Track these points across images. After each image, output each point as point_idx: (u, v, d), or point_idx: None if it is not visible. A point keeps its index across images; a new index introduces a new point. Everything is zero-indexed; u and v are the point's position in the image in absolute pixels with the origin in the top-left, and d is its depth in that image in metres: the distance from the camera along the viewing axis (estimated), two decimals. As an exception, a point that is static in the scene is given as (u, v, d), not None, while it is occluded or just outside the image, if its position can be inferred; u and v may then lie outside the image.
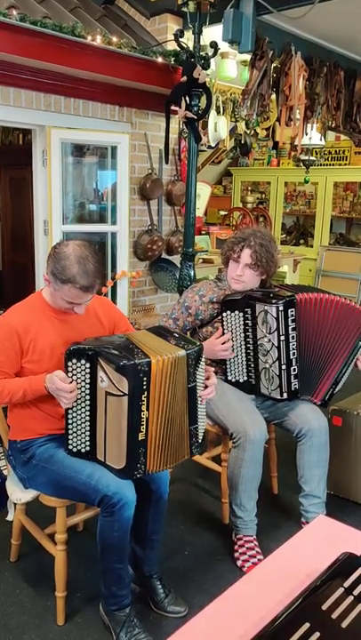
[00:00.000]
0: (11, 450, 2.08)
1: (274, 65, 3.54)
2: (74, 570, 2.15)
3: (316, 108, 3.87)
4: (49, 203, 3.32)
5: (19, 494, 2.06)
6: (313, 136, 4.93)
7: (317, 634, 0.96)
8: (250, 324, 2.38)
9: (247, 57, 3.60)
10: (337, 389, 2.52)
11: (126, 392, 1.77)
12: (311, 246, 6.78)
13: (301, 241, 7.18)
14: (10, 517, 2.25)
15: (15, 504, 2.19)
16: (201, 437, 2.02)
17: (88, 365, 1.86)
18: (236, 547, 2.39)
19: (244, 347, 2.42)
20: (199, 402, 1.98)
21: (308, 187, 6.92)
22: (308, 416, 2.44)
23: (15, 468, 2.08)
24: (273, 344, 2.32)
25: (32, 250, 3.58)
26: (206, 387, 2.02)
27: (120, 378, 1.77)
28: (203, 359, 1.97)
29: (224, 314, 2.41)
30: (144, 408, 1.81)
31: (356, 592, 1.06)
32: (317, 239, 6.65)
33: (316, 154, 6.03)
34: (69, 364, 1.86)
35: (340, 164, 6.51)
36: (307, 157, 5.48)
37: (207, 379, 2.03)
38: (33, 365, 1.94)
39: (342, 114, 4.09)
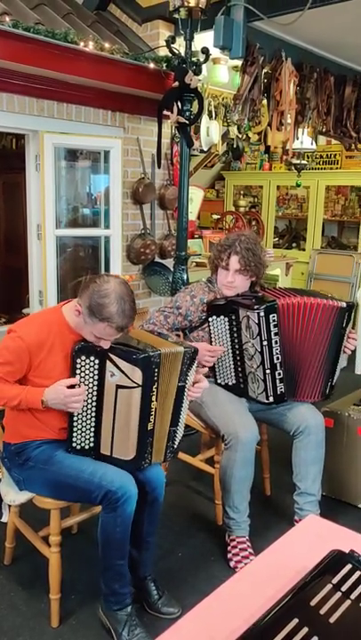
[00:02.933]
0: (5, 452, 2.08)
1: (265, 71, 3.58)
2: (68, 572, 2.16)
3: (306, 113, 3.91)
4: (42, 207, 3.34)
5: (13, 496, 2.06)
6: (304, 140, 4.98)
7: (306, 629, 0.98)
8: (235, 329, 2.40)
9: (238, 62, 3.63)
10: (335, 379, 2.54)
11: (140, 383, 1.85)
12: (303, 249, 6.81)
13: (294, 244, 7.22)
14: (4, 519, 2.26)
15: (9, 506, 2.20)
16: (177, 445, 2.08)
17: (97, 362, 1.90)
18: (229, 547, 2.41)
19: (231, 350, 2.44)
20: (184, 404, 2.03)
21: (300, 190, 6.96)
22: (305, 414, 2.47)
23: (10, 470, 2.08)
24: (256, 349, 2.34)
25: (25, 254, 3.60)
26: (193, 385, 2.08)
27: (134, 369, 1.84)
28: (195, 363, 2.04)
29: (210, 319, 2.44)
30: (154, 399, 1.89)
31: (343, 588, 1.08)
32: (310, 242, 6.68)
33: (308, 158, 6.08)
34: (78, 360, 1.89)
35: (331, 168, 6.56)
36: (298, 161, 5.52)
37: (196, 382, 2.09)
38: (41, 380, 1.93)
39: (333, 119, 4.13)
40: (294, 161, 5.56)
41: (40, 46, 2.93)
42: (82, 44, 3.08)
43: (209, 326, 2.45)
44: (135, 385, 1.86)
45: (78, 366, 1.90)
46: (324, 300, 2.41)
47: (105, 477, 1.87)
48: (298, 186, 6.17)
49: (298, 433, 2.48)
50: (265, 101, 3.71)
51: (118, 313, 1.80)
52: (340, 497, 2.89)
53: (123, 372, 1.87)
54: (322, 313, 2.40)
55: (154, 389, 1.89)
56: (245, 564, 2.32)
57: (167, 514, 2.66)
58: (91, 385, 1.92)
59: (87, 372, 1.90)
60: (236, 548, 2.38)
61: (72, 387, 1.89)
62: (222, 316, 2.41)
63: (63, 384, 1.87)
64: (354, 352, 4.71)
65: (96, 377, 1.92)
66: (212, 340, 2.45)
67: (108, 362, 1.89)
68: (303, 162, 5.58)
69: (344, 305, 2.42)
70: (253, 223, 6.57)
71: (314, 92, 3.90)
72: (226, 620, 1.09)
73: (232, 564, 2.36)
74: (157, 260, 4.11)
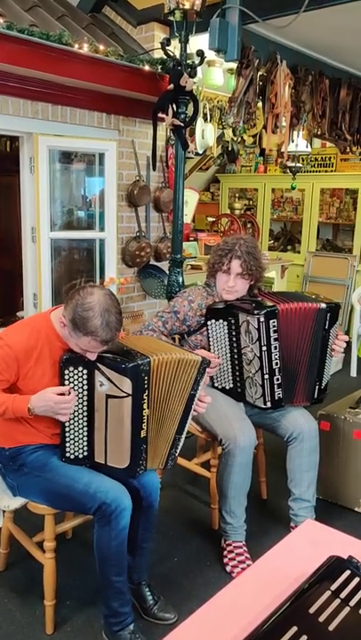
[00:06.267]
0: (0, 457, 2.06)
1: (260, 73, 3.58)
2: (63, 578, 2.14)
3: (301, 116, 3.92)
4: (36, 209, 3.32)
5: (7, 501, 2.05)
6: (299, 143, 4.98)
7: (305, 637, 0.97)
8: (234, 333, 2.39)
9: (234, 65, 3.63)
10: (324, 384, 2.51)
11: (130, 393, 1.82)
12: (298, 252, 6.82)
13: (289, 247, 7.22)
14: (-2, 524, 2.24)
15: (4, 511, 2.17)
16: (177, 453, 2.07)
17: (85, 372, 1.88)
18: (225, 552, 2.39)
19: (229, 354, 2.43)
20: (190, 413, 2.03)
21: (295, 193, 6.97)
22: (298, 419, 2.46)
23: (5, 476, 2.06)
24: (255, 354, 2.33)
25: (19, 256, 3.57)
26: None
27: (123, 379, 1.82)
28: (206, 375, 2.04)
29: (209, 322, 2.42)
30: (145, 406, 1.87)
31: (342, 595, 1.07)
32: (305, 245, 6.69)
33: (303, 160, 6.08)
34: (66, 372, 1.86)
35: (326, 171, 6.57)
36: (293, 164, 5.53)
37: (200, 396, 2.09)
38: (30, 388, 1.91)
39: (328, 121, 4.14)
40: (289, 164, 5.56)
41: (34, 48, 2.91)
42: (76, 46, 3.07)
43: (207, 330, 2.43)
44: (125, 394, 1.83)
45: (67, 377, 1.87)
46: (314, 303, 2.40)
47: (99, 489, 1.85)
48: (293, 188, 6.18)
49: (292, 439, 2.47)
50: (260, 104, 3.71)
51: (103, 327, 1.76)
52: (336, 500, 2.88)
53: (112, 381, 1.84)
54: (311, 316, 2.40)
55: (145, 397, 1.86)
56: (242, 568, 2.30)
57: (162, 518, 2.64)
58: (81, 395, 1.89)
59: (76, 382, 1.88)
60: (232, 553, 2.36)
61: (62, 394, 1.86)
62: (221, 320, 2.40)
63: (52, 391, 1.84)
64: (350, 355, 4.71)
65: (85, 387, 1.89)
66: (211, 343, 2.44)
67: (96, 372, 1.86)
68: (298, 164, 5.58)
69: (323, 306, 2.39)
70: (249, 226, 6.58)
71: (309, 94, 3.91)
72: (223, 629, 1.07)
73: (228, 568, 2.34)
74: (153, 262, 4.09)
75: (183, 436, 2.05)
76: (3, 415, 1.89)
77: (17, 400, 1.86)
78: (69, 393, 1.86)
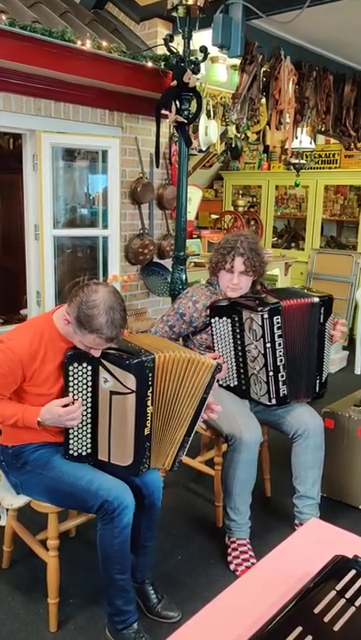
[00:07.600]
0: (3, 455, 2.06)
1: (264, 69, 3.56)
2: (66, 576, 2.14)
3: (305, 112, 3.89)
4: (39, 207, 3.31)
5: (10, 499, 2.04)
6: (303, 139, 4.96)
7: (310, 637, 0.96)
8: (238, 330, 2.38)
9: (237, 61, 3.61)
10: (324, 378, 2.50)
11: (134, 389, 1.82)
12: (302, 249, 6.80)
13: (293, 244, 7.20)
14: (2, 522, 2.24)
15: (7, 509, 2.17)
16: (183, 454, 2.06)
17: (90, 368, 1.88)
18: (229, 550, 2.39)
19: (233, 352, 2.42)
20: (200, 417, 2.02)
21: (298, 190, 6.94)
22: (303, 416, 2.45)
23: (8, 474, 2.06)
24: (259, 351, 2.32)
25: (23, 255, 3.57)
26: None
27: (127, 375, 1.82)
28: (215, 379, 2.03)
29: (212, 320, 2.41)
30: (149, 403, 1.87)
31: (348, 595, 1.06)
32: (308, 242, 6.67)
33: (307, 157, 6.05)
34: (70, 368, 1.86)
35: (330, 168, 6.54)
36: (297, 161, 5.50)
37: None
38: (35, 389, 1.92)
39: (332, 117, 4.11)
40: (293, 160, 5.53)
41: (37, 45, 2.90)
42: (79, 42, 3.05)
43: (211, 328, 2.42)
44: (129, 391, 1.83)
45: (71, 374, 1.87)
46: (308, 297, 2.40)
47: (102, 487, 1.85)
48: (297, 185, 6.15)
49: (297, 436, 2.46)
50: (264, 100, 3.69)
51: (108, 324, 1.75)
52: (340, 498, 2.87)
53: (116, 378, 1.84)
54: (307, 310, 2.39)
55: (149, 394, 1.86)
56: (246, 567, 2.30)
57: (166, 516, 2.64)
58: (85, 392, 1.89)
59: (80, 378, 1.88)
60: (236, 551, 2.36)
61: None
62: (225, 318, 2.39)
63: (57, 404, 1.84)
64: (354, 353, 4.69)
65: (90, 383, 1.89)
66: (215, 341, 2.43)
67: (100, 368, 1.86)
68: (302, 161, 5.55)
69: (316, 300, 2.38)
70: (252, 223, 6.55)
71: (313, 90, 3.89)
72: (227, 629, 1.07)
73: (232, 567, 2.34)
74: (156, 260, 4.08)
75: (190, 438, 2.04)
76: (13, 425, 1.90)
77: (28, 411, 1.88)
78: (73, 403, 1.86)
